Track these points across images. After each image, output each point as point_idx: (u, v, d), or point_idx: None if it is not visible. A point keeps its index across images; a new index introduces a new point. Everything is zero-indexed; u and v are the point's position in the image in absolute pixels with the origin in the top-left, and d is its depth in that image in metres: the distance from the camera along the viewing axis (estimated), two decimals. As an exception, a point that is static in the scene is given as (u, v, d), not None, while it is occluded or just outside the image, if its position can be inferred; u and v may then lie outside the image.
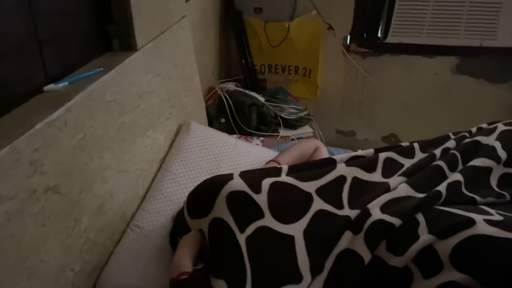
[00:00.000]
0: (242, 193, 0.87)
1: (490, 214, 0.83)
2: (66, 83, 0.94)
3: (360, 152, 1.08)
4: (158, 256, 0.97)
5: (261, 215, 0.86)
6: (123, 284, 0.93)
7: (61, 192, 0.83)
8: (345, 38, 2.35)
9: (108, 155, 0.99)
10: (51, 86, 0.92)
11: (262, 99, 2.10)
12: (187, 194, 0.99)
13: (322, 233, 0.87)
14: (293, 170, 1.00)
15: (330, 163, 1.03)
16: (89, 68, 1.02)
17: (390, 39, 2.29)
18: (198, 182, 0.98)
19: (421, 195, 0.91)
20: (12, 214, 0.70)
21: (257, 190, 0.89)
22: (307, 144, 1.35)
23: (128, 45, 1.15)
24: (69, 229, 0.86)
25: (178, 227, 0.99)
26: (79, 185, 0.89)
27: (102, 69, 1.01)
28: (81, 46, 1.07)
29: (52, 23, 0.95)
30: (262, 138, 1.75)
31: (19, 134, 0.73)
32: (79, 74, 0.98)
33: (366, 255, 0.81)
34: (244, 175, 0.92)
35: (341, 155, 1.06)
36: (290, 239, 0.85)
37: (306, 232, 0.86)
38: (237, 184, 0.88)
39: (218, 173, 1.11)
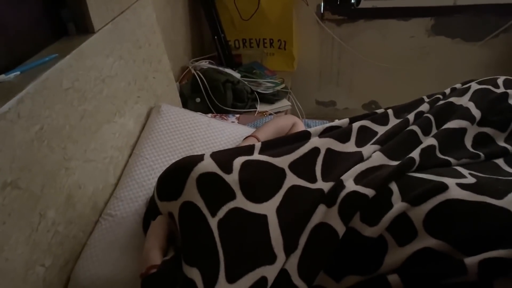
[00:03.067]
0: (213, 175, 0.84)
1: (463, 176, 0.82)
2: (18, 72, 0.89)
3: (334, 123, 1.06)
4: (132, 243, 0.95)
5: (232, 196, 0.83)
6: (97, 275, 0.91)
7: (21, 187, 0.79)
8: (318, 6, 2.30)
9: (71, 145, 0.95)
10: (1, 77, 0.86)
11: (238, 75, 2.06)
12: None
13: (296, 209, 0.85)
14: (267, 147, 0.97)
15: (304, 136, 1.01)
16: (43, 55, 0.97)
17: (363, 4, 2.25)
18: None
19: (395, 163, 0.89)
20: (-34, 214, 0.67)
21: (228, 170, 0.86)
22: (284, 120, 1.32)
23: (85, 28, 1.10)
24: (34, 224, 0.83)
25: (150, 211, 0.97)
26: (41, 178, 0.85)
27: (56, 55, 0.96)
28: (32, 33, 1.01)
29: (-4, 10, 0.89)
30: (237, 115, 1.72)
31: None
32: (32, 62, 0.93)
33: (340, 228, 0.79)
34: (215, 155, 0.89)
35: (316, 127, 1.03)
36: (263, 218, 0.83)
37: (279, 210, 0.84)
38: (207, 165, 0.85)
39: (191, 154, 1.08)
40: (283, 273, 0.79)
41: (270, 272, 0.78)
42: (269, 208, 0.85)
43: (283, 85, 2.08)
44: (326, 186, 0.88)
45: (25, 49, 0.98)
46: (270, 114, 1.87)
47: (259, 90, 2.00)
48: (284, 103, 2.00)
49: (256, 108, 1.92)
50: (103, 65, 1.11)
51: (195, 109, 1.67)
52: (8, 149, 0.77)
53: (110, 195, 1.10)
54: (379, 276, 0.77)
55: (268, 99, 2.00)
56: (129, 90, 1.25)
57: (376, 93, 2.56)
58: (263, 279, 0.77)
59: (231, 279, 0.75)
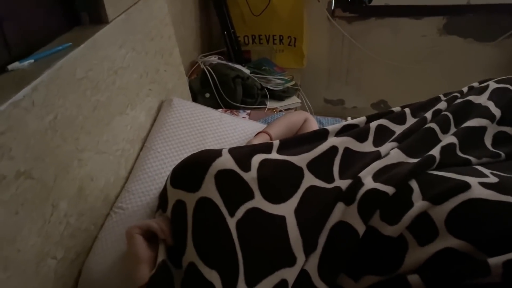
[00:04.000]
0: (231, 172, 0.82)
1: (485, 175, 0.80)
2: (32, 60, 0.87)
3: (352, 121, 1.04)
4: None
5: (251, 196, 0.82)
6: (109, 269, 0.89)
7: (34, 177, 0.78)
8: (330, 3, 2.28)
9: (84, 136, 0.93)
10: (15, 65, 0.85)
11: (247, 71, 2.04)
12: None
13: (314, 209, 0.83)
14: (285, 146, 0.95)
15: (322, 134, 0.99)
16: (56, 44, 0.95)
17: (375, 2, 2.22)
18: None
19: (414, 160, 0.87)
20: (-21, 203, 0.66)
21: (246, 168, 0.84)
22: (296, 115, 1.30)
23: (98, 18, 1.08)
24: (46, 215, 0.81)
25: (162, 204, 0.95)
26: (54, 169, 0.83)
27: (70, 44, 0.94)
28: (46, 21, 0.99)
29: (11, -3, 0.88)
30: (249, 111, 1.70)
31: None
32: (46, 51, 0.91)
33: (360, 227, 0.77)
34: (233, 151, 0.87)
35: (333, 126, 1.01)
36: (282, 220, 0.81)
37: (297, 211, 0.83)
38: (225, 162, 0.83)
39: (203, 149, 1.06)
40: (303, 274, 0.77)
41: (290, 274, 0.76)
42: (287, 210, 0.83)
43: (293, 82, 2.06)
44: (343, 183, 0.86)
45: (38, 37, 0.96)
46: (281, 111, 1.85)
47: (268, 87, 1.98)
48: (294, 100, 1.98)
49: (266, 104, 1.90)
50: (116, 56, 1.09)
51: (204, 104, 1.65)
52: (22, 137, 0.75)
53: (121, 188, 1.08)
54: (399, 276, 0.75)
55: (278, 95, 1.98)
56: (141, 82, 1.23)
57: (385, 92, 2.53)
58: (283, 282, 0.75)
59: (250, 282, 0.74)
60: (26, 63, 0.86)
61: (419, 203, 0.76)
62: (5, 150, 0.71)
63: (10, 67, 0.84)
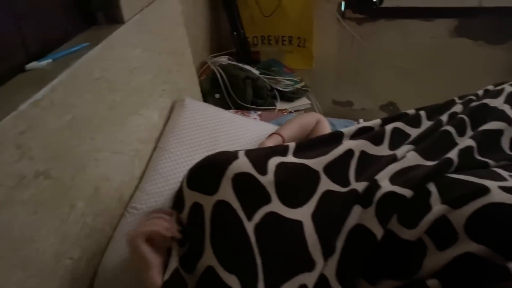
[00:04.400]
0: (248, 175, 0.82)
1: (504, 179, 0.79)
2: (50, 60, 0.87)
3: (366, 123, 1.03)
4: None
5: (268, 200, 0.81)
6: (124, 269, 0.89)
7: (52, 177, 0.78)
8: (340, 5, 2.27)
9: (100, 136, 0.94)
10: (33, 64, 0.85)
11: (256, 72, 2.04)
12: (185, 172, 0.94)
13: (331, 213, 0.83)
14: (301, 148, 0.95)
15: (338, 137, 0.99)
16: (73, 44, 0.95)
17: (386, 3, 2.21)
18: (196, 160, 0.92)
19: (431, 163, 0.87)
20: (0, 202, 0.65)
21: (263, 172, 0.84)
22: (308, 117, 1.30)
23: (114, 18, 1.08)
24: (64, 215, 0.81)
25: (177, 205, 0.95)
26: (72, 168, 0.84)
27: (88, 44, 0.95)
28: (63, 21, 1.00)
29: (30, -4, 0.88)
30: (259, 112, 1.69)
31: (2, 117, 0.67)
32: (63, 50, 0.91)
33: (378, 230, 0.77)
34: (249, 154, 0.87)
35: (349, 128, 1.01)
36: (299, 224, 0.81)
37: (315, 216, 0.82)
38: (242, 164, 0.83)
39: (216, 150, 1.06)
40: (321, 278, 0.77)
41: (309, 279, 0.76)
42: (304, 214, 0.83)
43: (302, 83, 2.05)
44: (359, 186, 0.85)
45: (56, 36, 0.96)
46: (290, 112, 1.85)
47: (278, 88, 1.98)
48: (303, 101, 1.98)
49: (276, 105, 1.90)
50: (131, 56, 1.09)
51: (215, 105, 1.65)
52: (41, 137, 0.75)
53: (135, 188, 1.08)
54: (418, 281, 0.74)
55: (287, 96, 1.98)
56: (154, 82, 1.23)
57: (395, 94, 2.52)
58: (303, 287, 0.75)
59: (270, 287, 0.73)
60: (44, 62, 0.86)
61: (437, 207, 0.76)
62: (25, 150, 0.71)
63: (28, 66, 0.85)
